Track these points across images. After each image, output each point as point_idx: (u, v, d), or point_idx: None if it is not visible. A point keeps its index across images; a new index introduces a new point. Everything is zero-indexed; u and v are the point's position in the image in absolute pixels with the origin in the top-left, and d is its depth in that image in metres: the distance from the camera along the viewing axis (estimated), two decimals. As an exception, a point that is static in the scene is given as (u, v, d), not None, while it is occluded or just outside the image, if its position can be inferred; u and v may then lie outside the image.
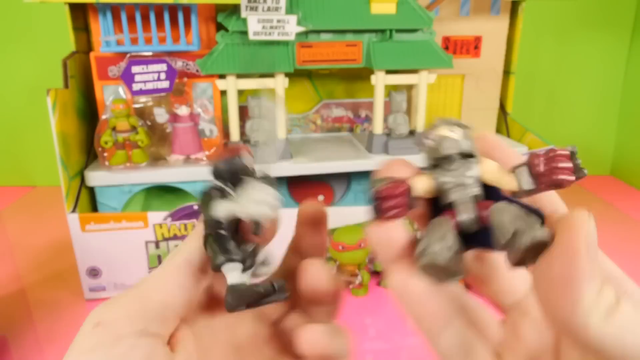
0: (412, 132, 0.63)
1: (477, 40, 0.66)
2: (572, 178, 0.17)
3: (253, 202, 0.19)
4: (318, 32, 0.58)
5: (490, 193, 0.17)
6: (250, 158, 0.20)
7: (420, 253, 0.17)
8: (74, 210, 0.53)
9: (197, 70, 0.56)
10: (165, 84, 0.54)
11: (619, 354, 0.14)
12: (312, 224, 0.23)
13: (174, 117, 0.56)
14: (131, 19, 0.54)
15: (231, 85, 0.56)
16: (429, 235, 0.17)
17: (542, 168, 0.17)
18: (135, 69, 0.53)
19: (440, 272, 0.17)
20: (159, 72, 0.54)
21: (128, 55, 0.54)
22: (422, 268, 0.17)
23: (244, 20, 0.53)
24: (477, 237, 0.17)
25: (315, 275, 0.20)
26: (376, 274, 0.61)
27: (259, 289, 0.19)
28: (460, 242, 0.17)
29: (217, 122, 0.59)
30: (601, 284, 0.15)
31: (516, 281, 0.19)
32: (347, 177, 0.71)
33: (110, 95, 0.56)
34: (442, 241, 0.17)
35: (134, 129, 0.54)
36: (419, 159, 0.18)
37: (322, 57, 0.59)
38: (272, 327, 0.22)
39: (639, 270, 0.63)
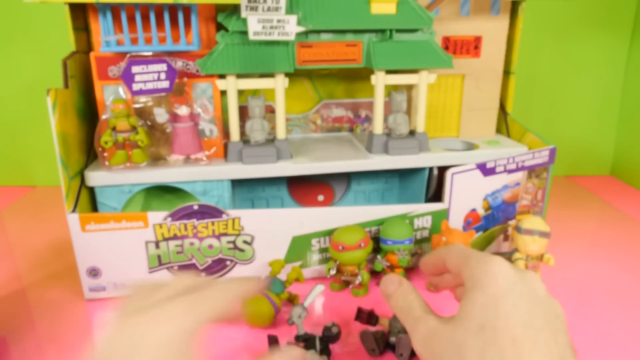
0: (412, 132, 0.63)
1: (477, 40, 0.66)
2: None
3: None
4: (318, 32, 0.58)
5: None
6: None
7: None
8: (74, 210, 0.53)
9: (197, 70, 0.56)
10: (165, 84, 0.54)
11: None
12: None
13: (174, 117, 0.56)
14: (131, 19, 0.54)
15: (231, 85, 0.56)
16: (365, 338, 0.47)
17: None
18: (135, 69, 0.53)
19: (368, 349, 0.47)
20: (159, 72, 0.54)
21: (128, 55, 0.54)
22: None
23: (244, 20, 0.53)
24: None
25: None
26: (376, 274, 0.61)
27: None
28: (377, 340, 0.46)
29: (217, 122, 0.59)
30: None
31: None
32: (347, 177, 0.71)
33: (110, 95, 0.56)
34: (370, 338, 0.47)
35: (134, 129, 0.54)
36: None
37: (322, 57, 0.59)
38: None
39: (639, 270, 0.63)
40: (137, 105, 0.56)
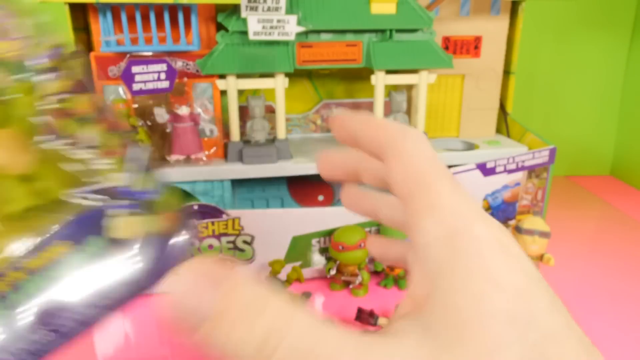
0: (412, 132, 0.63)
1: (477, 40, 0.66)
2: None
3: None
4: (318, 32, 0.58)
5: None
6: None
7: None
8: (74, 210, 0.53)
9: (197, 70, 0.56)
10: (165, 84, 0.54)
11: None
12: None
13: (174, 117, 0.56)
14: (131, 19, 0.54)
15: (231, 85, 0.56)
16: None
17: None
18: (135, 69, 0.53)
19: None
20: (159, 72, 0.54)
21: (128, 55, 0.54)
22: None
23: (244, 20, 0.53)
24: None
25: None
26: (376, 274, 0.61)
27: None
28: None
29: (217, 122, 0.59)
30: None
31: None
32: (347, 177, 0.71)
33: (110, 95, 0.56)
34: None
35: (134, 129, 0.54)
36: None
37: (322, 57, 0.59)
38: None
39: (639, 270, 0.63)
40: (137, 105, 0.56)
